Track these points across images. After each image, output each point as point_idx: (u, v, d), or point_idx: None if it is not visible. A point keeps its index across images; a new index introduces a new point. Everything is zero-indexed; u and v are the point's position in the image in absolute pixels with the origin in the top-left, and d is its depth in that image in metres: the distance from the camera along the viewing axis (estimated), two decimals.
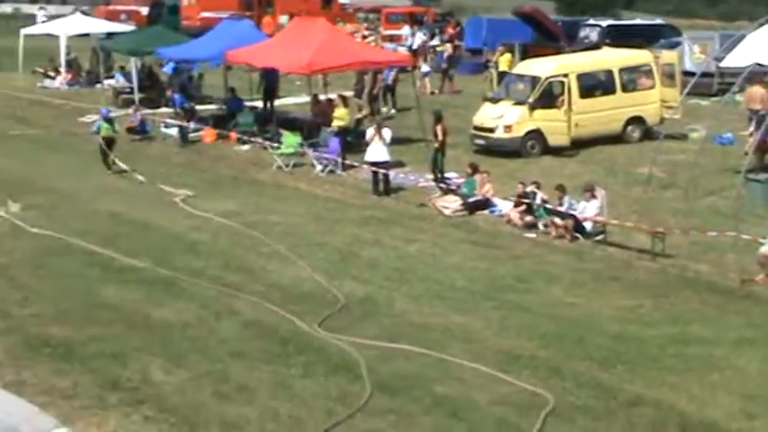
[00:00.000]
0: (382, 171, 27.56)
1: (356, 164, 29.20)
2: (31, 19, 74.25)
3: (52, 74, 48.81)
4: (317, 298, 18.87)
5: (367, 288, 19.52)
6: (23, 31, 50.72)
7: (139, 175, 29.26)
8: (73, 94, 44.40)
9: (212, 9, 64.05)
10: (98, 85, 45.26)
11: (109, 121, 31.59)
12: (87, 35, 51.55)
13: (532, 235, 23.63)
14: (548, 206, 23.93)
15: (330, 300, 18.72)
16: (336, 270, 20.62)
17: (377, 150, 27.57)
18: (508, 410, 14.19)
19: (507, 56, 42.66)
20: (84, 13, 60.80)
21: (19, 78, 47.65)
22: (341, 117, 31.70)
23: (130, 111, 37.51)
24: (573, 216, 23.23)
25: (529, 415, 13.98)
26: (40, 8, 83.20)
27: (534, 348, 16.50)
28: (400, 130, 32.84)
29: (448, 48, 47.99)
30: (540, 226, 23.86)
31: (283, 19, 58.52)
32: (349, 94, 36.16)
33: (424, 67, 44.03)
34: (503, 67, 41.72)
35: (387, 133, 27.85)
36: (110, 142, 31.03)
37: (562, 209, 23.53)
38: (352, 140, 31.37)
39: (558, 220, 23.42)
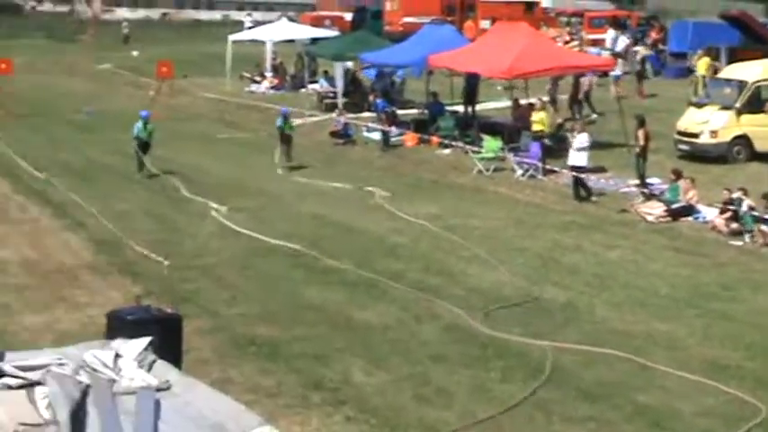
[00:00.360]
0: (582, 176, 27.32)
1: (557, 168, 29.01)
2: (238, 25, 76.34)
3: (258, 79, 49.98)
4: (516, 302, 18.83)
5: (567, 294, 19.39)
6: (231, 38, 52.18)
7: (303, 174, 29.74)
8: (278, 99, 45.34)
9: (415, 14, 64.49)
10: (302, 90, 46.17)
11: (287, 118, 33.07)
12: (292, 41, 52.68)
13: (738, 243, 23.05)
14: (755, 213, 23.30)
15: (530, 305, 18.67)
16: (537, 275, 20.54)
17: (578, 155, 27.35)
18: (714, 422, 13.88)
19: (705, 60, 41.70)
20: (289, 19, 62.19)
21: (227, 83, 49.03)
22: (541, 121, 31.52)
23: (334, 115, 38.16)
24: None
25: (737, 427, 13.64)
26: (247, 15, 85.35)
27: (740, 359, 16.10)
28: (602, 134, 32.51)
29: (641, 50, 47.30)
30: (746, 237, 23.22)
31: (485, 23, 58.52)
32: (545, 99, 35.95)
33: (616, 71, 43.43)
34: (701, 71, 40.89)
35: (587, 138, 27.61)
36: (288, 139, 32.59)
37: None
38: (553, 145, 31.18)
39: (765, 228, 22.78)
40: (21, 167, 30.32)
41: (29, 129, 38.93)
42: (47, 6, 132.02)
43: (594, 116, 38.04)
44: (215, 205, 25.98)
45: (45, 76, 55.86)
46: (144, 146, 31.07)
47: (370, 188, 28.56)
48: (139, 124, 31.36)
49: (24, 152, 32.53)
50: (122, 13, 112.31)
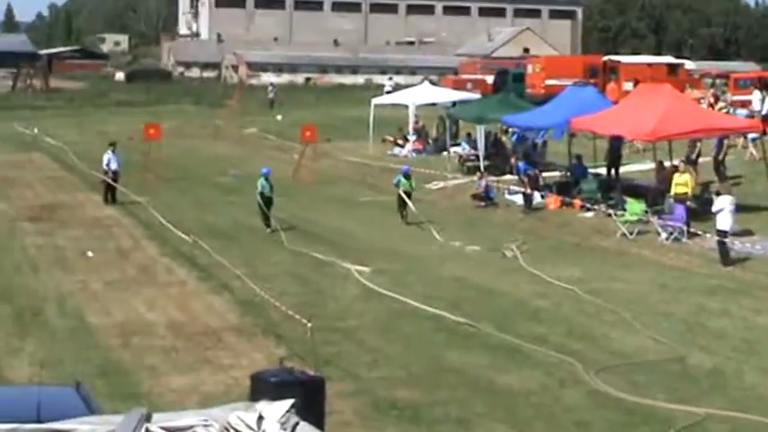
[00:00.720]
0: (727, 240, 26.80)
1: (701, 232, 28.55)
2: (381, 89, 77.22)
3: (401, 142, 50.38)
4: (661, 368, 18.51)
5: (714, 359, 19.00)
6: (374, 101, 52.80)
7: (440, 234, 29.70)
8: (420, 162, 45.64)
9: (557, 77, 64.43)
10: (444, 153, 46.32)
11: (408, 177, 34.40)
12: (434, 104, 53.05)
13: None
14: None
15: (676, 370, 18.33)
16: (682, 340, 20.17)
17: (724, 218, 26.87)
18: None
19: None
20: (431, 82, 62.67)
21: (369, 147, 49.55)
22: (685, 184, 31.10)
23: (475, 177, 38.21)
24: None
25: None
26: (389, 78, 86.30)
27: None
28: (747, 197, 31.88)
29: None
30: None
31: (628, 85, 58.10)
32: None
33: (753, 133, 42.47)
34: None
35: (732, 200, 27.12)
36: (408, 195, 33.78)
37: None
38: (697, 207, 30.70)
39: None
40: (168, 230, 31.02)
41: (176, 192, 39.88)
42: (194, 72, 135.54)
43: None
44: (357, 267, 26.20)
45: (192, 141, 57.24)
46: (267, 201, 32.15)
47: (511, 251, 28.47)
48: (262, 181, 32.41)
49: (171, 215, 33.30)
50: (268, 78, 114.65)
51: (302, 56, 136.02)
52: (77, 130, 63.73)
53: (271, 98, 79.82)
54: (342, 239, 31.07)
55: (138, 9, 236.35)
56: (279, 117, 67.86)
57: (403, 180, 34.24)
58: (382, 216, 34.97)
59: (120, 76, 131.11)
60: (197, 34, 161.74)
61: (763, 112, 49.69)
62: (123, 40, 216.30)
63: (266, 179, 32.52)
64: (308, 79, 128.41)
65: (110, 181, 37.19)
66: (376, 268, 26.47)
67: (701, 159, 36.30)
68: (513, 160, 39.71)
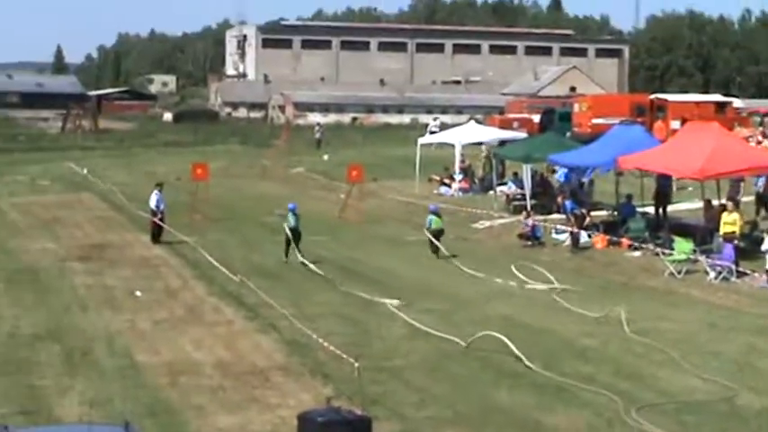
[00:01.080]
0: None
1: (750, 271, 28.37)
2: (426, 128, 77.42)
3: (447, 181, 50.47)
4: (710, 408, 18.40)
5: (764, 399, 18.86)
6: (420, 141, 52.95)
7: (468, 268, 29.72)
8: (466, 201, 45.72)
9: (604, 115, 64.29)
10: (491, 192, 46.35)
11: (438, 215, 35.49)
12: (481, 143, 53.12)
13: None
14: None
15: (725, 410, 18.21)
16: (731, 379, 20.04)
17: None
18: None
19: None
20: (477, 121, 62.81)
21: (416, 186, 49.68)
22: (733, 223, 30.93)
23: (522, 217, 38.19)
24: None
25: None
26: (434, 118, 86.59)
27: None
28: None
29: None
30: None
31: (675, 124, 57.96)
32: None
33: None
34: None
35: None
36: (438, 234, 34.71)
37: None
38: (746, 247, 30.52)
39: None
40: (215, 270, 31.23)
41: (223, 232, 40.14)
42: (241, 113, 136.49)
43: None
44: (389, 300, 26.33)
45: (239, 181, 57.62)
46: (296, 234, 33.66)
47: (557, 290, 28.45)
48: (290, 215, 34.07)
49: (219, 255, 33.51)
50: (314, 117, 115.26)
51: (349, 96, 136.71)
52: (126, 171, 64.37)
53: (318, 138, 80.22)
54: (388, 279, 31.17)
55: (186, 50, 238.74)
56: (325, 157, 68.20)
57: (434, 219, 35.16)
58: (428, 255, 35.00)
59: (167, 116, 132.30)
60: (244, 75, 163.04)
61: None
62: (171, 80, 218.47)
63: (293, 213, 34.13)
64: (354, 119, 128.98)
65: (157, 221, 37.55)
66: (424, 307, 26.52)
67: (744, 198, 36.14)
68: (559, 199, 39.72)
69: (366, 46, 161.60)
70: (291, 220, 34.08)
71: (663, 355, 21.82)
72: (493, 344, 22.48)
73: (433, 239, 34.59)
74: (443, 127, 75.47)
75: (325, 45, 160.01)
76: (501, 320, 25.28)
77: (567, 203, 37.35)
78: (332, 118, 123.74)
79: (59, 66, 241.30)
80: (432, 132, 68.57)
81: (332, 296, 28.38)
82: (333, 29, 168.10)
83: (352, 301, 27.54)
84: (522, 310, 26.39)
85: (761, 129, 60.35)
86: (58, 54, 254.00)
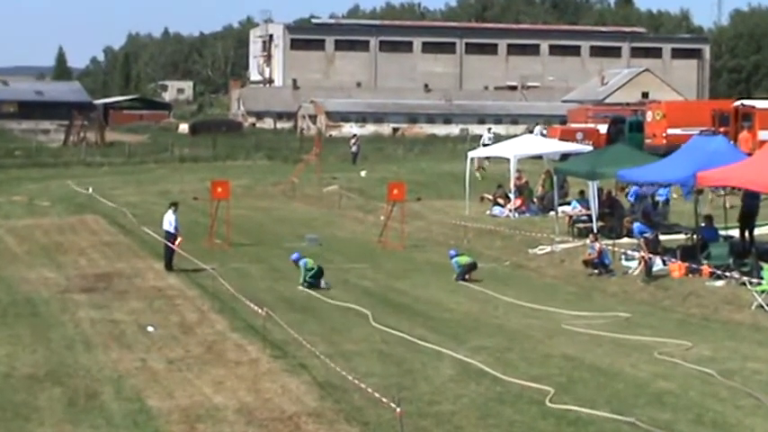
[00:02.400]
0: None
1: None
2: (478, 140, 77.50)
3: (501, 200, 50.38)
4: None
5: None
6: (471, 154, 52.97)
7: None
8: (523, 223, 45.66)
9: (680, 125, 64.27)
10: (551, 213, 46.22)
11: (461, 255, 37.02)
12: (540, 157, 53.07)
13: None
14: None
15: None
16: None
17: None
18: None
19: None
20: (535, 132, 62.82)
21: (465, 206, 49.67)
22: None
23: (588, 241, 38.09)
24: None
25: None
26: (488, 129, 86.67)
27: None
28: None
29: None
30: None
31: (764, 134, 57.74)
32: None
33: None
34: None
35: None
36: (472, 268, 36.23)
37: None
38: None
39: None
40: (238, 302, 31.33)
41: (247, 259, 40.30)
42: (267, 123, 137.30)
43: None
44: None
45: (265, 200, 57.94)
46: (317, 273, 35.01)
47: (628, 323, 28.34)
48: (305, 262, 35.37)
49: (242, 285, 33.63)
50: (350, 128, 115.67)
51: (389, 103, 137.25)
52: (136, 190, 64.85)
53: (353, 152, 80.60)
54: (434, 312, 31.16)
55: (204, 53, 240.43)
56: (363, 173, 68.46)
57: (459, 260, 36.66)
58: (480, 286, 34.98)
59: (183, 127, 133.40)
60: (270, 80, 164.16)
61: None
62: (187, 87, 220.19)
63: (304, 262, 35.40)
64: (395, 130, 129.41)
65: (170, 244, 37.76)
66: (475, 345, 26.50)
67: None
68: (627, 221, 39.55)
69: (409, 47, 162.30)
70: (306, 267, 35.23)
71: (751, 401, 21.67)
72: (552, 384, 22.42)
73: (462, 280, 35.86)
74: (497, 139, 75.54)
75: (362, 46, 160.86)
76: (562, 360, 25.20)
77: (636, 226, 37.20)
78: (369, 129, 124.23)
79: (61, 71, 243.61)
80: (485, 145, 68.63)
81: (370, 331, 28.40)
82: (371, 27, 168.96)
83: (392, 338, 27.54)
84: (587, 348, 26.28)
85: None
86: (60, 57, 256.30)
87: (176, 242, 37.90)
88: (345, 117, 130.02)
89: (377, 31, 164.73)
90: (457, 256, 36.80)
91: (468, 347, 26.25)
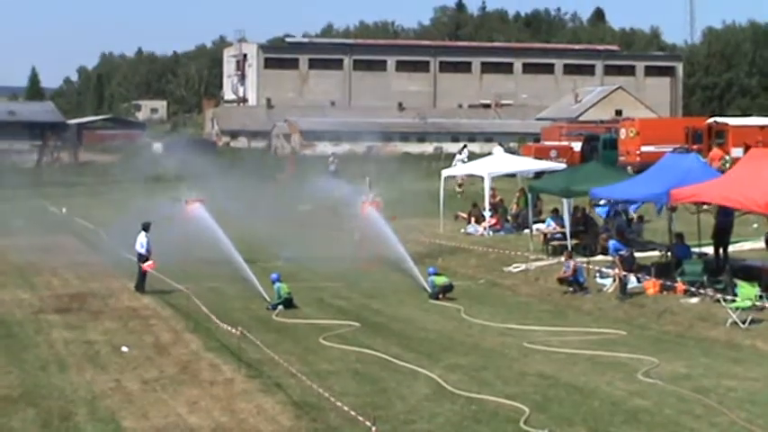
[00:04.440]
0: None
1: None
2: (452, 159, 77.56)
3: (476, 219, 50.39)
4: None
5: None
6: (445, 173, 52.98)
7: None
8: (498, 241, 45.71)
9: (654, 142, 64.59)
10: (526, 231, 46.28)
11: (438, 274, 37.28)
12: (514, 175, 53.15)
13: None
14: None
15: None
16: None
17: None
18: None
19: None
20: (510, 151, 62.99)
21: (440, 224, 49.66)
22: None
23: (562, 259, 38.16)
24: None
25: None
26: (463, 147, 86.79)
27: None
28: None
29: None
30: None
31: (737, 151, 58.06)
32: None
33: None
34: None
35: None
36: (447, 290, 36.33)
37: None
38: None
39: None
40: (213, 322, 31.26)
41: (222, 279, 40.13)
42: (241, 142, 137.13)
43: None
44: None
45: (239, 219, 57.68)
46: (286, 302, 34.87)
47: (603, 342, 28.38)
48: (279, 286, 35.49)
49: (217, 305, 33.55)
50: (324, 147, 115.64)
51: (363, 122, 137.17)
52: (111, 210, 64.53)
53: (332, 170, 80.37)
54: (409, 331, 31.17)
55: (178, 72, 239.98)
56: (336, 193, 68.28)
57: (436, 280, 36.71)
58: (455, 304, 34.99)
59: (157, 147, 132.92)
60: (244, 99, 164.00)
61: None
62: (161, 106, 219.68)
63: (279, 281, 35.74)
64: (369, 148, 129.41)
65: (144, 266, 37.64)
66: (449, 363, 26.49)
67: None
68: (603, 238, 39.63)
69: (382, 65, 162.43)
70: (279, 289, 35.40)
71: (726, 418, 21.71)
72: (528, 402, 22.45)
73: (434, 300, 35.95)
74: (471, 157, 75.60)
75: (336, 65, 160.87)
76: (538, 378, 25.23)
77: (612, 243, 37.29)
78: (344, 147, 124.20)
79: (34, 91, 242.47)
80: (463, 162, 68.76)
81: (345, 351, 28.37)
82: (344, 46, 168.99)
83: (368, 357, 27.52)
84: (563, 367, 26.30)
85: None
86: (33, 78, 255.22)
87: (147, 264, 37.74)
88: (319, 136, 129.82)
89: (350, 49, 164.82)
90: (435, 274, 36.79)
91: (443, 366, 26.25)
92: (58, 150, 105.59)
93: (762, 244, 37.87)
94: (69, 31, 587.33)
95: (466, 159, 73.01)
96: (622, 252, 36.59)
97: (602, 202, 44.23)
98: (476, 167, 55.06)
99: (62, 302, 35.70)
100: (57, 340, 30.19)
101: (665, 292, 34.26)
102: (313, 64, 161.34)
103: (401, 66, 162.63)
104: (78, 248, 49.52)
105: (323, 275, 38.75)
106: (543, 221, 46.03)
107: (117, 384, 25.13)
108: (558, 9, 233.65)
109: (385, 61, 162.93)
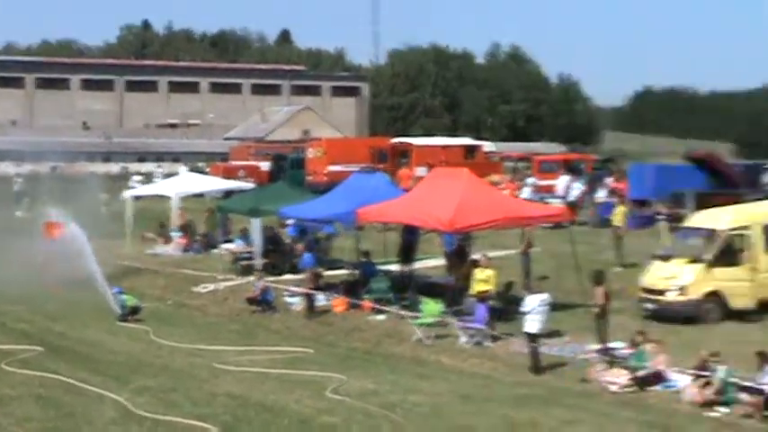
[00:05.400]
0: (534, 344, 27.35)
1: (505, 335, 29.15)
2: (146, 178, 76.54)
3: (163, 239, 49.83)
4: None
5: None
6: (129, 193, 52.22)
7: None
8: (187, 261, 45.38)
9: (341, 162, 65.40)
10: (215, 250, 46.13)
11: (123, 293, 36.89)
12: (202, 195, 52.89)
13: (715, 414, 23.19)
14: (733, 379, 23.49)
15: None
16: None
17: (533, 320, 27.36)
18: None
19: (621, 209, 42.62)
20: (198, 170, 62.68)
21: (126, 245, 48.88)
22: (486, 280, 31.68)
23: (251, 278, 38.17)
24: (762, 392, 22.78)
25: None
26: (158, 166, 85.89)
27: None
28: (557, 293, 32.77)
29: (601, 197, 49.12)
30: (725, 408, 23.34)
31: (421, 171, 59.37)
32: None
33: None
34: (616, 222, 41.84)
35: (540, 299, 27.69)
36: (135, 311, 36.19)
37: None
38: (501, 307, 31.35)
39: (748, 397, 22.95)
40: None
41: None
42: None
43: None
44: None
45: None
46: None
47: (292, 361, 28.52)
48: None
49: None
50: (6, 168, 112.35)
51: (46, 141, 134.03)
52: None
53: (17, 191, 78.06)
54: (96, 354, 30.61)
55: None
56: (18, 213, 66.45)
57: (127, 298, 36.63)
58: (144, 326, 34.55)
59: None
60: None
61: (570, 199, 51.43)
62: None
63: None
64: (53, 168, 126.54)
65: None
66: (138, 385, 26.11)
67: (495, 253, 37.19)
68: (298, 249, 39.76)
69: (66, 84, 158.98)
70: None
71: None
72: (218, 423, 22.37)
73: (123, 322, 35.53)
74: (147, 179, 74.89)
75: (17, 83, 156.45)
76: (228, 398, 25.14)
77: (306, 256, 37.35)
78: (27, 168, 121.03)
79: None
80: (142, 183, 68.09)
81: (28, 376, 27.60)
82: (26, 64, 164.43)
83: (53, 382, 26.85)
84: (253, 386, 26.29)
85: (513, 175, 62.54)
86: None
87: None
88: (1, 156, 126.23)
89: (32, 67, 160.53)
90: (122, 293, 36.22)
91: (131, 389, 25.86)
92: None
93: (444, 261, 38.78)
94: None
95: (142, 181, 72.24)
96: (313, 268, 36.47)
97: (289, 222, 44.56)
98: (163, 187, 54.55)
99: None
100: None
101: (352, 310, 34.68)
102: None
103: (86, 84, 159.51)
104: None
105: (4, 299, 37.61)
106: (232, 241, 45.95)
107: None
108: (245, 29, 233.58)
109: (69, 80, 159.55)
